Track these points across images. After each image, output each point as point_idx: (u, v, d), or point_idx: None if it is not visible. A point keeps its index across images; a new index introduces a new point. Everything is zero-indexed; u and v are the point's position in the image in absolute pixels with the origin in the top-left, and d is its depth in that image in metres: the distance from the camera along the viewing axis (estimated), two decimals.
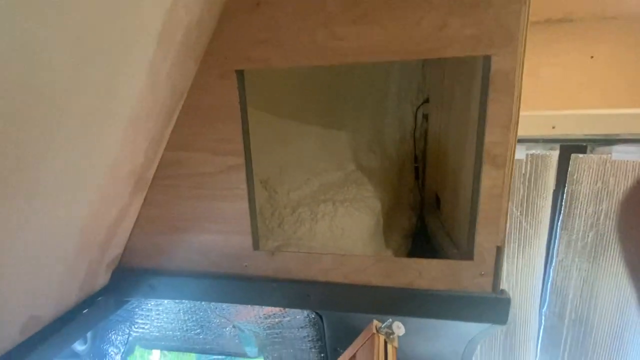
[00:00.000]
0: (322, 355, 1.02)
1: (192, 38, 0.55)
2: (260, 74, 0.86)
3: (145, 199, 0.72)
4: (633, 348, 1.18)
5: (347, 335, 0.87)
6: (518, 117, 0.57)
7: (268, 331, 1.03)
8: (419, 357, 0.79)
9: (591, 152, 1.14)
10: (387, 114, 1.20)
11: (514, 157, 0.58)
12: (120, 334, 1.08)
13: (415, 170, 1.23)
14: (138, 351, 1.31)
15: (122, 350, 1.05)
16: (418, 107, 1.22)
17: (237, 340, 1.00)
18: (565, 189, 1.18)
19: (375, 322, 0.56)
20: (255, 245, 0.70)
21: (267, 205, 0.97)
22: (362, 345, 0.55)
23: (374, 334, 0.54)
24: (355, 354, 0.56)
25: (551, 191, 1.21)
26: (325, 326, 0.89)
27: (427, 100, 1.21)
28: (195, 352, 1.06)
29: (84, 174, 0.52)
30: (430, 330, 0.74)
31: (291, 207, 0.95)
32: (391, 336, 0.54)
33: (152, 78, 0.51)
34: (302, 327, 1.00)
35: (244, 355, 1.00)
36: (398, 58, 0.56)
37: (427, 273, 0.65)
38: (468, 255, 0.63)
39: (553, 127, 1.04)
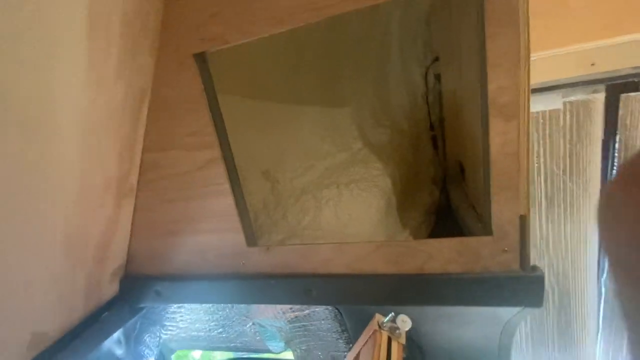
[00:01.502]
0: (350, 345, 0.97)
1: (136, 28, 0.50)
2: (239, 58, 0.80)
3: (135, 205, 0.70)
4: None
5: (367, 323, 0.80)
6: (529, 52, 0.45)
7: (291, 325, 1.00)
8: (449, 345, 0.70)
9: None
10: (392, 80, 1.09)
11: (529, 103, 0.47)
12: (152, 336, 1.11)
13: (433, 139, 1.10)
14: (180, 351, 1.37)
15: (155, 352, 1.09)
16: (428, 67, 1.08)
17: (258, 337, 0.98)
18: (617, 137, 1.00)
19: (377, 316, 0.49)
20: (250, 242, 0.66)
21: (270, 196, 0.92)
22: (365, 343, 0.49)
23: (375, 330, 0.47)
24: (359, 352, 0.49)
25: (599, 142, 1.03)
26: (345, 318, 0.84)
27: (437, 59, 1.07)
28: (222, 350, 1.06)
29: (49, 194, 0.49)
30: (457, 316, 0.65)
31: (295, 197, 0.89)
32: (396, 331, 0.47)
33: (95, 79, 0.47)
34: (324, 320, 0.95)
35: (268, 351, 0.99)
36: (364, 4, 0.47)
37: (438, 255, 0.56)
38: (486, 229, 0.53)
39: (592, 64, 0.86)
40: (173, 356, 1.36)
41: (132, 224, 0.72)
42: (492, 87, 0.46)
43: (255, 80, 0.86)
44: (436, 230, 0.94)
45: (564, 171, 1.06)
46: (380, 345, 0.44)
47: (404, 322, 0.47)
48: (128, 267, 0.77)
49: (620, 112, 0.98)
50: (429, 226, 0.94)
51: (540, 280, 0.52)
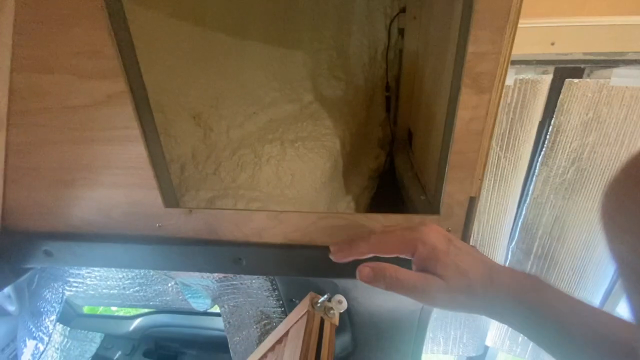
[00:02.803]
0: (280, 302, 0.96)
1: None
2: None
3: (8, 144, 0.52)
4: (593, 282, 1.19)
5: (300, 287, 0.78)
6: (518, 16, 0.38)
7: (219, 284, 0.95)
8: (375, 310, 0.71)
9: (588, 76, 0.98)
10: (355, 30, 0.97)
11: (505, 77, 0.41)
12: (54, 292, 0.97)
13: (387, 100, 1.04)
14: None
15: (57, 309, 0.95)
16: (392, 20, 0.98)
17: (181, 296, 0.91)
18: (552, 120, 1.05)
19: (311, 295, 0.45)
20: (168, 202, 0.54)
21: (201, 146, 0.79)
22: (296, 322, 0.44)
23: (309, 311, 0.43)
24: (288, 331, 0.45)
25: (537, 123, 1.08)
26: (277, 279, 0.80)
27: (403, 10, 0.96)
28: (138, 308, 0.98)
29: None
30: None
31: (231, 149, 0.78)
32: (330, 312, 0.44)
33: None
34: (254, 279, 0.91)
35: (192, 309, 0.93)
36: None
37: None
38: (433, 208, 0.50)
39: (552, 44, 0.85)
40: (85, 308, 1.24)
41: (5, 167, 0.55)
42: (471, 51, 0.39)
43: (193, 1, 0.67)
44: (378, 197, 0.93)
45: (501, 147, 1.10)
46: (312, 328, 0.40)
47: (340, 303, 0.43)
48: (5, 222, 0.60)
49: (561, 95, 1.01)
50: (371, 192, 0.92)
51: None
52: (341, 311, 0.44)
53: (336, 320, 0.45)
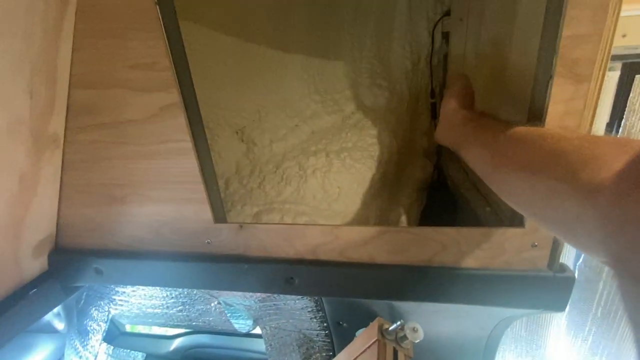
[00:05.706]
0: (324, 324, 0.90)
1: None
2: None
3: (64, 162, 0.53)
4: None
5: (350, 310, 0.72)
6: None
7: (261, 304, 0.91)
8: (436, 336, 0.64)
9: None
10: (396, 36, 0.93)
11: (607, 63, 0.35)
12: (100, 310, 0.97)
13: (432, 107, 0.98)
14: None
15: (104, 328, 0.96)
16: (436, 24, 0.93)
17: (224, 317, 0.88)
18: (622, 122, 0.94)
19: (379, 321, 0.39)
20: (217, 217, 0.52)
21: (245, 161, 0.77)
22: (363, 352, 0.39)
23: (378, 339, 0.37)
24: None
25: (604, 125, 0.97)
26: (323, 300, 0.75)
27: (447, 13, 0.92)
28: (181, 328, 0.95)
29: None
30: (454, 310, 0.58)
31: (274, 163, 0.75)
32: (404, 342, 0.38)
33: None
34: (298, 299, 0.86)
35: (235, 330, 0.89)
36: None
37: (453, 246, 0.46)
38: (516, 220, 0.44)
39: (623, 36, 0.76)
40: (129, 326, 1.24)
41: (60, 185, 0.55)
42: (567, 34, 0.33)
43: (230, 10, 0.67)
44: (428, 210, 0.86)
45: None
46: (385, 358, 0.35)
47: (415, 332, 0.37)
48: (59, 240, 0.61)
49: (631, 94, 0.90)
50: (420, 205, 0.85)
51: (570, 281, 0.44)
52: (416, 341, 0.38)
53: (411, 352, 0.39)
